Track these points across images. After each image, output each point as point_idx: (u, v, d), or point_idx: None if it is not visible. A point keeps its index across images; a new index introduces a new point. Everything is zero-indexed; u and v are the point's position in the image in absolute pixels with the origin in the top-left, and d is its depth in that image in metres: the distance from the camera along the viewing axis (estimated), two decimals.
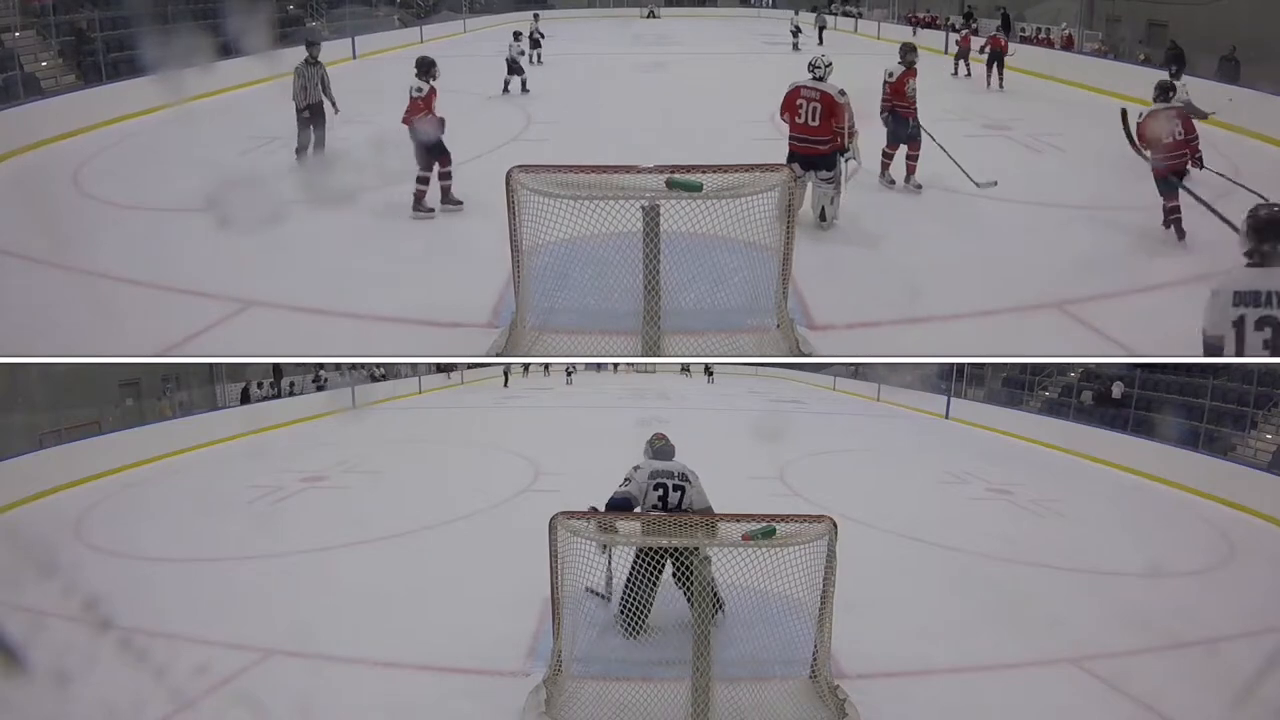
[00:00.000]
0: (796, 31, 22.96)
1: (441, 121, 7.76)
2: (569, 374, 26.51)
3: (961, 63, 17.01)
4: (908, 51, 8.84)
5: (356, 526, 8.27)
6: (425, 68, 7.79)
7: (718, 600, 4.94)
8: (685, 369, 27.74)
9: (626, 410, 18.74)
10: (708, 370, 26.55)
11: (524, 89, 14.85)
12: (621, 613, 5.02)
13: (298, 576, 6.89)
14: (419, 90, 7.69)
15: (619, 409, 19.38)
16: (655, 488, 5.17)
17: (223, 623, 5.65)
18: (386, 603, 6.18)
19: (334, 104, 9.53)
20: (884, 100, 8.68)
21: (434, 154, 7.75)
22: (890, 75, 8.65)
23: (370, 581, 6.68)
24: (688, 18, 33.28)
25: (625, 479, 5.23)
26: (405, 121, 7.72)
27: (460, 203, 7.94)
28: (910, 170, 8.73)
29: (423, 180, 7.77)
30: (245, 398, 16.36)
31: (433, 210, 7.84)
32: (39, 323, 5.88)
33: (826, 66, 7.31)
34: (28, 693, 4.26)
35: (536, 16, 19.20)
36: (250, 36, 14.79)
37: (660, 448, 5.42)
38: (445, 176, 7.89)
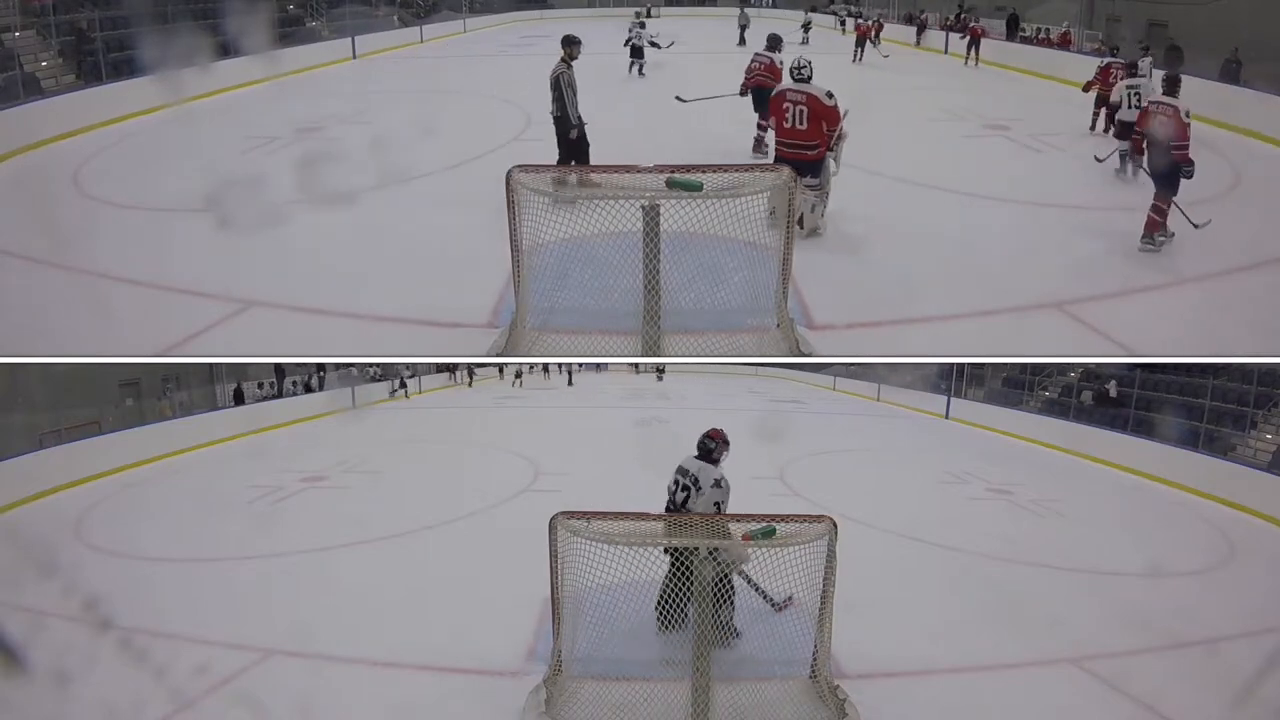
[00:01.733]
0: (807, 26, 23.32)
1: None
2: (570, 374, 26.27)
3: (859, 50, 19.01)
4: (1175, 79, 7.16)
5: (356, 526, 8.26)
6: (779, 42, 9.89)
7: (734, 629, 4.95)
8: (637, 368, 27.17)
9: (626, 410, 18.73)
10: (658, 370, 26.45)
11: (640, 72, 16.83)
12: (656, 608, 5.02)
13: (298, 576, 6.89)
14: (781, 61, 9.40)
15: (619, 409, 19.37)
16: (674, 482, 5.21)
17: (223, 623, 5.65)
18: (386, 603, 6.18)
19: (576, 121, 8.03)
20: (1170, 143, 6.84)
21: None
22: (1174, 110, 6.87)
23: (370, 581, 6.68)
24: (687, 17, 33.24)
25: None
26: (755, 83, 9.60)
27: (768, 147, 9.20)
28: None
29: (763, 127, 9.52)
30: (239, 398, 16.32)
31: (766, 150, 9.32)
32: (39, 323, 5.88)
33: (804, 67, 7.04)
34: (28, 693, 4.26)
35: (640, 13, 19.78)
36: (250, 36, 14.81)
37: (700, 444, 5.31)
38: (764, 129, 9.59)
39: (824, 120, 6.90)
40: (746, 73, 9.86)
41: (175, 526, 8.58)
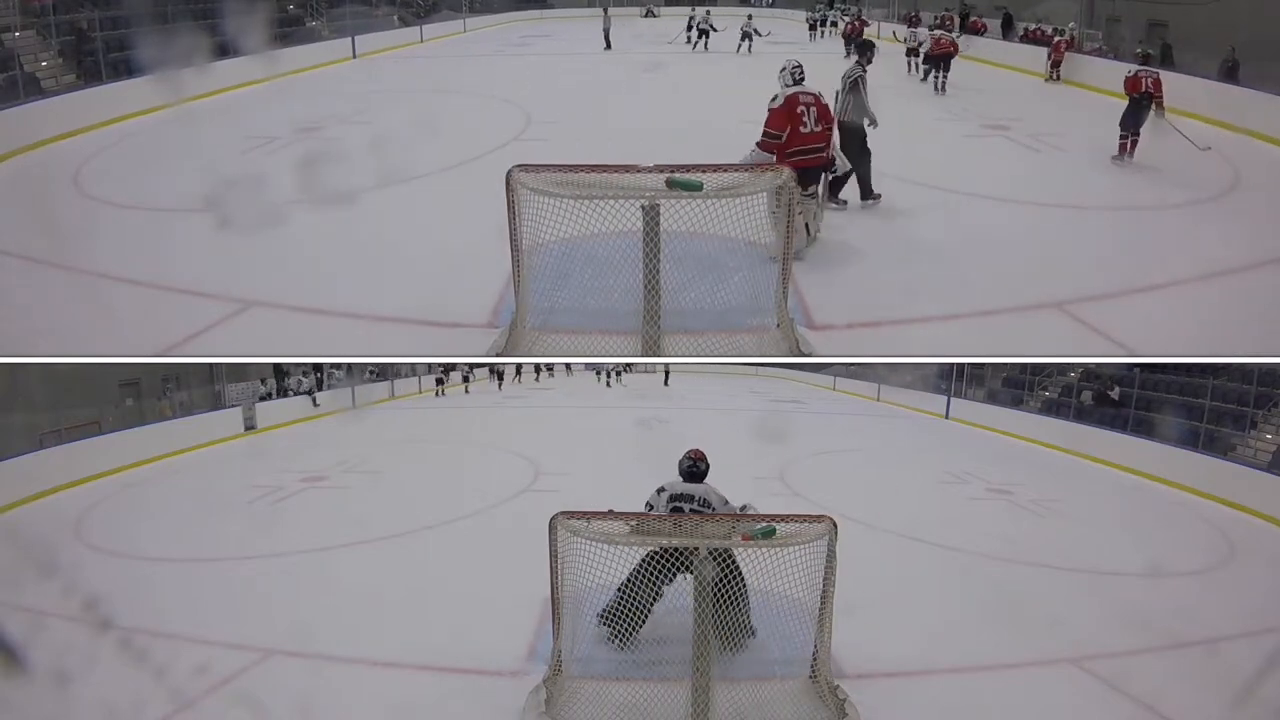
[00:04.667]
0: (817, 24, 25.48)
1: None
2: (601, 374, 26.53)
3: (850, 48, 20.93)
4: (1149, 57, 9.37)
5: (356, 526, 8.27)
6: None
7: (751, 628, 4.93)
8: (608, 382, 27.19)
9: (626, 410, 18.74)
10: (610, 372, 26.48)
11: (706, 48, 21.91)
12: (609, 612, 4.92)
13: (298, 576, 6.89)
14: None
15: (619, 409, 19.38)
16: (672, 511, 5.00)
17: (223, 623, 5.65)
18: (386, 603, 6.18)
19: (873, 119, 7.84)
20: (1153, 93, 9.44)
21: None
22: (1158, 74, 9.32)
23: (370, 581, 6.68)
24: (688, 17, 33.29)
25: (647, 504, 5.09)
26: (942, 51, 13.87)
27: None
28: None
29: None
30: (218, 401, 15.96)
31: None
32: (39, 323, 5.88)
33: (799, 67, 6.82)
34: (28, 693, 4.26)
35: (750, 18, 22.96)
36: (249, 37, 14.81)
37: (688, 469, 5.20)
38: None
39: (825, 121, 6.78)
40: (936, 44, 13.81)
41: (175, 526, 8.58)
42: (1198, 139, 9.72)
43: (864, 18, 22.11)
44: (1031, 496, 10.29)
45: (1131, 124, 9.75)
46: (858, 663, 4.99)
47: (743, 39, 21.74)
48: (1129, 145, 9.77)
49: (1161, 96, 9.71)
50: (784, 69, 6.88)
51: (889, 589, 6.40)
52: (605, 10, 23.80)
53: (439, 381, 23.69)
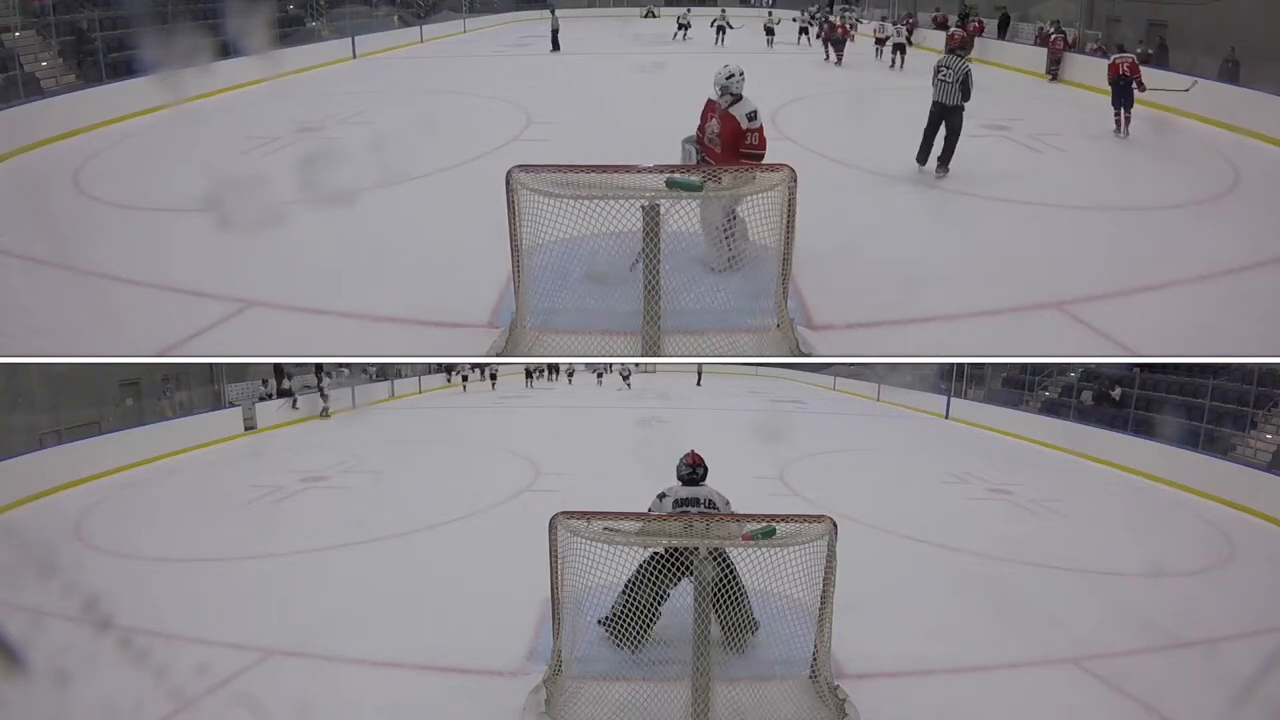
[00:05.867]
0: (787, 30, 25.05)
1: None
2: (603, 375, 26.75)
3: (832, 48, 20.03)
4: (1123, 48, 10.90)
5: (356, 526, 8.26)
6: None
7: (755, 621, 4.93)
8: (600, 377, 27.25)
9: (626, 410, 18.74)
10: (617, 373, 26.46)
11: (722, 44, 23.32)
12: (613, 618, 4.91)
13: (298, 576, 6.89)
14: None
15: (618, 409, 19.38)
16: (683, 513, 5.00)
17: (223, 623, 5.65)
18: (386, 603, 6.18)
19: (963, 101, 8.71)
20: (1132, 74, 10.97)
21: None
22: (1133, 58, 10.88)
23: (370, 581, 6.68)
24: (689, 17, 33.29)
25: (649, 510, 5.07)
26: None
27: None
28: None
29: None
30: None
31: None
32: (39, 323, 5.88)
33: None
34: (28, 693, 4.26)
35: (770, 13, 24.88)
36: (250, 37, 14.82)
37: (688, 475, 5.22)
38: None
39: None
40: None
41: (175, 526, 8.58)
42: (1177, 84, 11.52)
43: (844, 24, 21.43)
44: (1031, 496, 10.29)
45: (1119, 103, 11.23)
46: (858, 663, 5.00)
47: (718, 34, 23.73)
48: (1121, 121, 11.23)
49: (1139, 76, 11.07)
50: (732, 76, 6.02)
51: (889, 589, 6.40)
52: (552, 11, 23.44)
53: (464, 379, 23.74)
